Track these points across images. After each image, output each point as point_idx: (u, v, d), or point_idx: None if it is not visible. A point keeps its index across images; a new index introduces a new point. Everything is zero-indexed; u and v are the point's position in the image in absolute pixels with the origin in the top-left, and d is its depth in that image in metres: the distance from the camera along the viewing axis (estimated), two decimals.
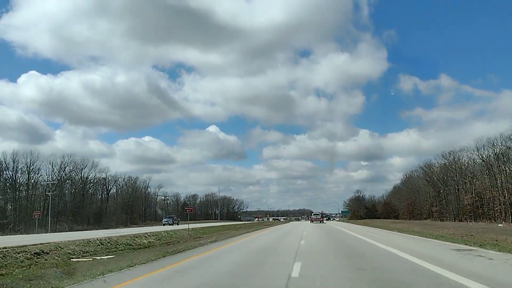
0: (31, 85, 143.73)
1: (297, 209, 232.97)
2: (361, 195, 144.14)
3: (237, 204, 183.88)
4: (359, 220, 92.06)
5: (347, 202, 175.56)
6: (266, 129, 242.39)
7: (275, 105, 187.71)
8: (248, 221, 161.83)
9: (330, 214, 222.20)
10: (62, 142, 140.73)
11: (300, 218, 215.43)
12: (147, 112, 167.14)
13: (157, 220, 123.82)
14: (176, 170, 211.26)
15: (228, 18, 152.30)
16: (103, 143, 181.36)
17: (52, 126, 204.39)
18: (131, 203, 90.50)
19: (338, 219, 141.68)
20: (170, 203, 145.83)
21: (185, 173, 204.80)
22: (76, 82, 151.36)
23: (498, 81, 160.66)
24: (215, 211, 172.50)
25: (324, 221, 72.26)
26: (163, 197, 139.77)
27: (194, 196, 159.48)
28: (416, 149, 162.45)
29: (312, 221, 69.95)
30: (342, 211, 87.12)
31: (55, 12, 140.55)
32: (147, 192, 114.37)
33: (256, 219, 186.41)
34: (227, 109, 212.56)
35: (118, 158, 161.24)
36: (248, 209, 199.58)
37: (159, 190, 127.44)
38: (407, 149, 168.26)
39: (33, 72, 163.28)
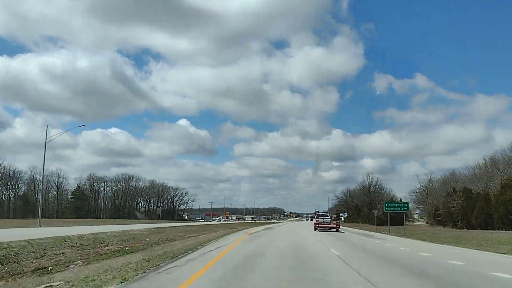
0: None
1: (267, 207, 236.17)
2: (375, 183, 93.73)
3: (177, 196, 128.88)
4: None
5: (339, 196, 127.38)
6: (238, 124, 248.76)
7: (248, 100, 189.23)
8: (191, 221, 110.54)
9: (306, 214, 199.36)
10: (22, 130, 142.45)
11: (270, 217, 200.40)
12: (113, 101, 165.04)
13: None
14: (145, 164, 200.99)
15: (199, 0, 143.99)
16: (66, 133, 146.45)
17: (10, 112, 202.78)
18: None
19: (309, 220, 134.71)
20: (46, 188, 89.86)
21: (154, 168, 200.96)
22: (34, 65, 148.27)
23: (474, 83, 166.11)
24: (141, 205, 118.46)
25: (339, 230, 41.31)
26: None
27: (100, 180, 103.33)
28: (387, 151, 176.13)
29: (317, 227, 40.45)
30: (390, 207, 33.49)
31: None
32: None
33: (214, 218, 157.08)
34: (198, 102, 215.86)
35: (83, 149, 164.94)
36: (201, 206, 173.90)
37: None
38: (378, 151, 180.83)
39: None
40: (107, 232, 29.43)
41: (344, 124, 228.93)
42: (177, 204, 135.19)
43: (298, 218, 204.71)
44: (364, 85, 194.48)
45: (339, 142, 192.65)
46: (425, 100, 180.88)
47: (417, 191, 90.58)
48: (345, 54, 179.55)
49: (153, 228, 39.77)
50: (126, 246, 23.73)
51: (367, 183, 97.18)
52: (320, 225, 40.41)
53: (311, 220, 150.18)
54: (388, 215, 38.20)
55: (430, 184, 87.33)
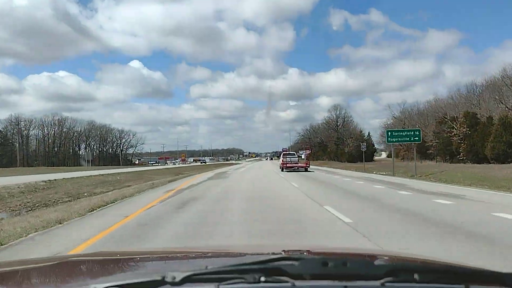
0: None
1: (226, 148, 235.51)
2: (343, 117, 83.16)
3: (124, 139, 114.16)
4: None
5: (301, 133, 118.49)
6: (193, 65, 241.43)
7: (201, 38, 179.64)
8: (142, 165, 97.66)
9: (264, 153, 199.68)
10: None
11: (229, 157, 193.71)
12: (57, 42, 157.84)
13: None
14: (97, 109, 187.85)
15: None
16: (10, 77, 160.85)
17: None
18: None
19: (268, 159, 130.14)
20: None
21: (107, 112, 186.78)
22: None
23: (427, 19, 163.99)
24: (79, 149, 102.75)
25: (308, 169, 37.99)
26: None
27: (28, 122, 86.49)
28: (343, 89, 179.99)
29: (284, 167, 37.28)
30: None
31: None
32: None
33: (170, 161, 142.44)
34: (149, 42, 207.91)
35: (30, 95, 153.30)
36: (159, 149, 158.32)
37: None
38: (334, 88, 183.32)
39: None
40: None
41: (301, 62, 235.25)
42: (124, 147, 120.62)
43: (257, 158, 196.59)
44: (320, 21, 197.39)
45: (295, 81, 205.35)
46: (379, 36, 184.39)
47: (389, 123, 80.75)
48: None
49: (45, 181, 26.28)
50: None
51: (334, 116, 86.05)
52: (287, 164, 37.68)
53: (271, 159, 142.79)
54: (392, 149, 26.65)
55: (405, 115, 77.49)
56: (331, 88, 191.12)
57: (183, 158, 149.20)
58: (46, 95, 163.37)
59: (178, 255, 2.12)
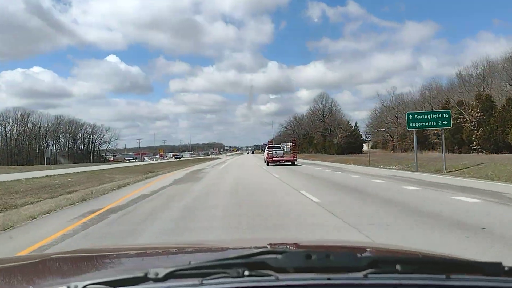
0: None
1: (206, 143, 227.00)
2: (329, 106, 77.72)
3: (96, 134, 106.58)
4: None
5: (284, 125, 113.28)
6: (171, 59, 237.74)
7: (179, 32, 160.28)
8: (117, 162, 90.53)
9: (245, 147, 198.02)
10: None
11: (210, 152, 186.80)
12: (31, 37, 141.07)
13: None
14: (74, 105, 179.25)
15: None
16: None
17: None
18: None
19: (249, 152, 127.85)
20: None
21: (85, 108, 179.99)
22: None
23: (405, 9, 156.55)
24: (50, 145, 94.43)
25: (295, 162, 35.46)
26: None
27: None
28: (322, 81, 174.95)
29: (270, 161, 34.95)
30: None
31: None
32: None
33: (147, 157, 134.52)
34: (125, 35, 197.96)
35: (3, 92, 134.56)
36: (139, 145, 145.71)
37: None
38: (314, 81, 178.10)
39: None
40: None
41: (280, 55, 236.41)
42: (97, 143, 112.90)
43: (238, 152, 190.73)
44: (298, 14, 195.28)
45: (275, 74, 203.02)
46: (357, 28, 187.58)
47: (377, 112, 75.60)
48: None
49: None
50: None
51: (320, 105, 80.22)
52: (273, 158, 35.22)
53: (252, 153, 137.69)
54: (415, 136, 20.85)
55: (395, 103, 72.29)
56: (311, 80, 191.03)
57: (161, 153, 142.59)
58: (21, 92, 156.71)
59: (160, 251, 2.09)
